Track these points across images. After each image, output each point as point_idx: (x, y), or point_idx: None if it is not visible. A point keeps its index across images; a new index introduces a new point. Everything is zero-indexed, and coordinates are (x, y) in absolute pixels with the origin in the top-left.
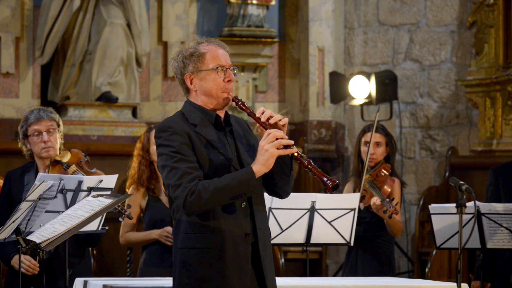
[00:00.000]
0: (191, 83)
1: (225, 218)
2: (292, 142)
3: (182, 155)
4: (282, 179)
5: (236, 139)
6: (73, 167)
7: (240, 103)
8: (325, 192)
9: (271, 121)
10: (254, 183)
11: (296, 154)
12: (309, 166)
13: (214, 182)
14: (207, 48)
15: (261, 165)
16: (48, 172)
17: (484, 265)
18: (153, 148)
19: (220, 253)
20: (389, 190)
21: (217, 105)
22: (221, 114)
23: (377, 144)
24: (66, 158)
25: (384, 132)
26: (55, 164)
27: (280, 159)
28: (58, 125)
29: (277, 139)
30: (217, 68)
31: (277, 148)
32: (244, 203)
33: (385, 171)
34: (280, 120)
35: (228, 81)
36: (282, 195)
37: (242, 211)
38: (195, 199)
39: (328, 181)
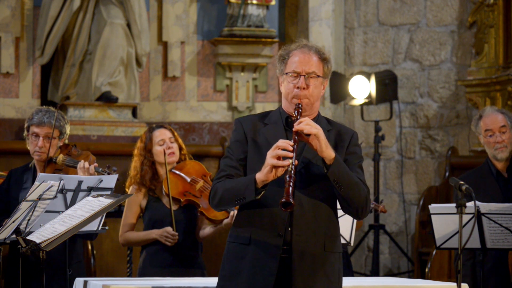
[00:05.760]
0: (281, 85)
1: (261, 215)
2: (290, 155)
3: (230, 151)
4: (338, 196)
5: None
6: (61, 156)
7: (296, 111)
8: None
9: (294, 128)
10: (252, 188)
11: (288, 168)
12: (286, 178)
13: (227, 183)
14: (293, 53)
15: (260, 173)
16: (43, 172)
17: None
18: (156, 149)
19: (249, 249)
20: None
21: (291, 109)
22: (310, 117)
23: None
24: (57, 154)
25: None
26: (49, 163)
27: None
28: (61, 133)
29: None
30: (287, 73)
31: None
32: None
33: None
34: (303, 130)
35: (297, 87)
36: (350, 214)
37: (281, 210)
38: (212, 197)
39: (283, 198)
